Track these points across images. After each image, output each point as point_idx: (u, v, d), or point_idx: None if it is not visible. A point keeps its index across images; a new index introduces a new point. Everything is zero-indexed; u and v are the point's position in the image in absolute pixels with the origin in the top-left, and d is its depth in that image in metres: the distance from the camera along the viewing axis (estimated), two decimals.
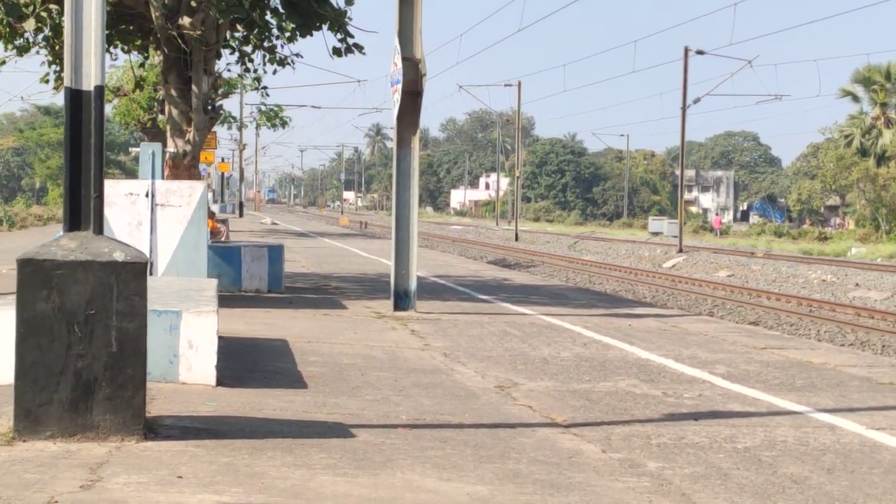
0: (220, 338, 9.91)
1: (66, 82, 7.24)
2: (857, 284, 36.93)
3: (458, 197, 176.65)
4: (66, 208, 7.32)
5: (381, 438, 7.94)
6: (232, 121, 67.51)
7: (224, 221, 36.08)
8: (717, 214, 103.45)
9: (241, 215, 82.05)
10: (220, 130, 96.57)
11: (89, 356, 7.17)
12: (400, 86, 16.56)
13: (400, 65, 16.58)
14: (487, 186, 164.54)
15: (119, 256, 7.21)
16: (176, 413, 8.34)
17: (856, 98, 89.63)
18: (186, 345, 9.63)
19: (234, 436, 7.71)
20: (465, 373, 11.47)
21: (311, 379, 10.54)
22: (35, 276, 7.11)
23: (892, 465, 7.75)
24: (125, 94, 39.35)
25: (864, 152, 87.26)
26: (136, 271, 7.23)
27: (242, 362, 11.23)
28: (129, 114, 43.43)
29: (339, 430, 8.16)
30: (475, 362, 12.25)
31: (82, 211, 7.29)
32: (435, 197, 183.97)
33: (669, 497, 6.71)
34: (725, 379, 11.53)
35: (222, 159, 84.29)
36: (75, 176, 7.27)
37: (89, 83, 7.25)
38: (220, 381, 9.73)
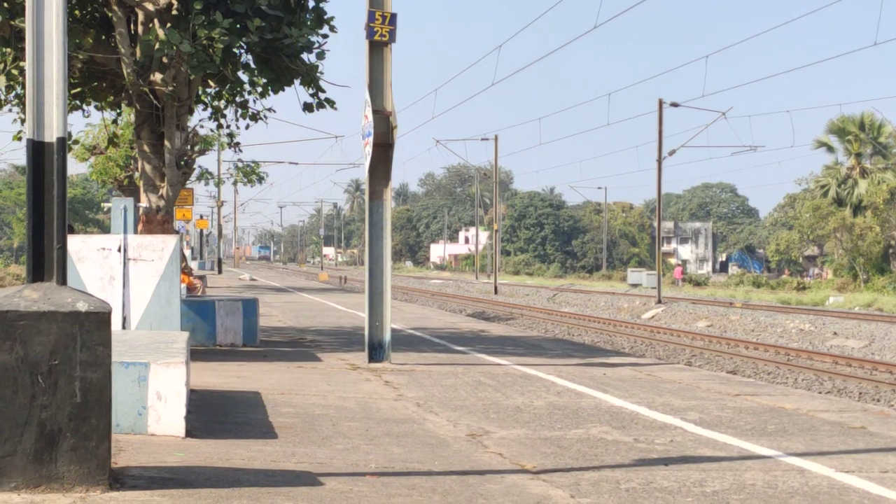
0: (192, 391, 9.90)
1: (28, 134, 7.26)
2: (834, 333, 37.03)
3: (438, 251, 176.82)
4: (29, 259, 7.32)
5: (349, 486, 7.92)
6: (209, 177, 67.60)
7: (202, 277, 36.06)
8: (678, 265, 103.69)
9: (219, 271, 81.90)
10: (198, 187, 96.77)
11: (53, 407, 7.15)
12: (371, 138, 16.64)
13: (371, 117, 16.66)
14: (467, 240, 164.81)
15: (82, 307, 7.21)
16: (143, 464, 8.30)
17: (830, 148, 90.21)
18: (155, 396, 9.59)
19: (200, 485, 7.68)
20: (437, 422, 11.45)
21: (282, 429, 10.51)
22: None
23: None
24: (101, 153, 39.39)
25: (840, 202, 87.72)
26: (99, 321, 7.23)
27: (213, 414, 11.19)
28: (105, 172, 43.48)
29: (306, 479, 8.13)
30: (448, 412, 12.23)
31: (45, 262, 7.30)
32: (415, 251, 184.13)
33: None
34: (697, 425, 11.54)
35: (200, 216, 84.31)
36: (38, 227, 7.28)
37: (51, 134, 7.27)
38: (190, 433, 9.70)
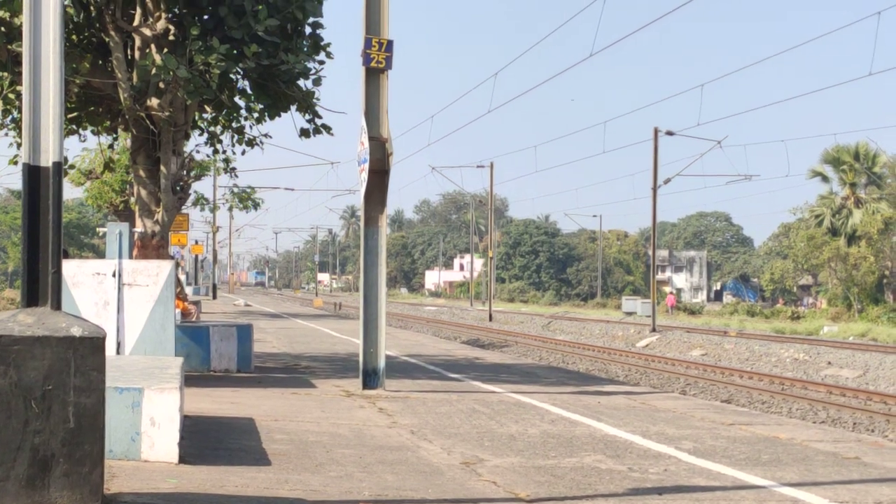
0: (185, 416, 9.88)
1: (24, 158, 7.26)
2: (829, 363, 37.00)
3: (433, 278, 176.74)
4: (24, 284, 7.31)
5: None
6: (205, 203, 67.60)
7: (196, 303, 36.05)
8: (670, 293, 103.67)
9: (214, 297, 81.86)
10: (194, 213, 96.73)
11: (46, 432, 7.13)
12: (367, 164, 16.65)
13: (367, 144, 16.68)
14: (462, 267, 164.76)
15: (76, 332, 7.20)
16: (136, 490, 8.27)
17: (825, 178, 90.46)
18: (149, 422, 9.57)
19: None
20: (431, 449, 11.43)
21: (276, 456, 10.49)
22: None
23: None
24: (97, 177, 39.39)
25: (834, 232, 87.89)
26: (93, 346, 7.21)
27: (207, 440, 11.16)
28: (101, 197, 43.48)
29: None
30: (442, 439, 12.21)
31: (40, 286, 7.29)
32: (409, 278, 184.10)
33: None
34: (691, 454, 11.52)
35: (196, 241, 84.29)
36: (33, 252, 7.28)
37: (47, 159, 7.27)
38: (183, 459, 9.67)
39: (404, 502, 8.48)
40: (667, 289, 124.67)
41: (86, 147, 71.31)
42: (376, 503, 8.38)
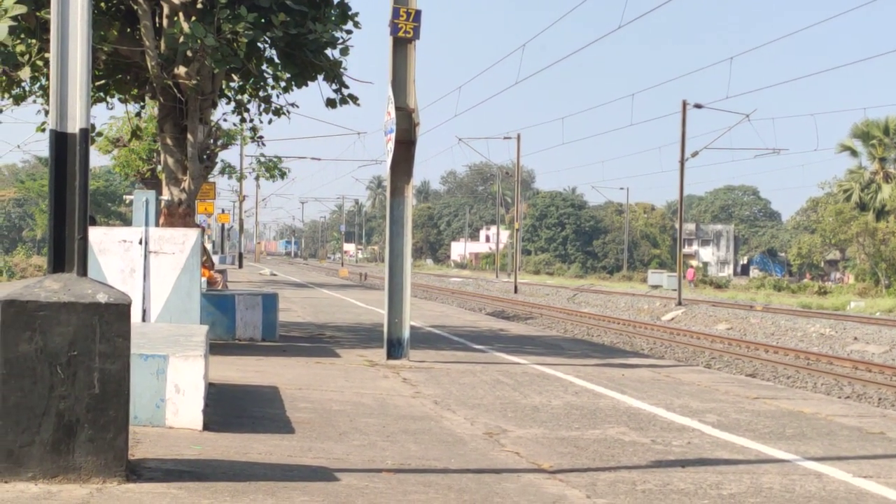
0: (210, 384, 9.92)
1: (52, 125, 7.28)
2: (855, 338, 36.89)
3: (459, 249, 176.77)
4: (51, 250, 7.35)
5: (365, 482, 7.92)
6: (232, 172, 67.70)
7: (222, 272, 36.09)
8: (690, 266, 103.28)
9: (240, 266, 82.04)
10: (220, 181, 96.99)
11: (72, 398, 7.17)
12: (393, 135, 16.63)
13: (393, 114, 16.65)
14: (488, 239, 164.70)
15: (102, 298, 7.22)
16: (160, 456, 8.32)
17: (854, 153, 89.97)
18: (173, 389, 9.62)
19: (217, 478, 7.69)
20: (454, 420, 11.45)
21: (299, 424, 10.53)
22: (18, 317, 7.12)
23: None
24: (124, 145, 39.46)
25: (863, 207, 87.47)
26: (119, 313, 7.24)
27: (231, 408, 11.21)
28: (128, 164, 43.55)
29: (322, 474, 8.14)
30: (465, 410, 12.23)
31: (66, 253, 7.32)
32: (435, 249, 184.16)
33: None
34: (715, 427, 11.50)
35: (222, 210, 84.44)
36: (60, 218, 7.30)
37: (74, 126, 7.29)
38: (207, 426, 9.72)
39: (427, 472, 8.50)
40: (693, 262, 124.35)
41: (113, 115, 71.55)
42: (399, 472, 8.40)
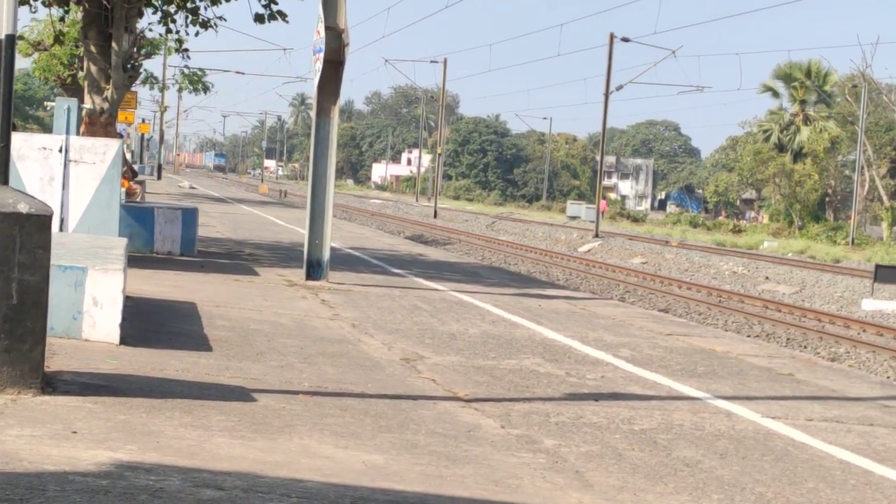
0: (127, 297, 9.86)
1: None
2: (766, 278, 37.47)
3: (380, 171, 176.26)
4: None
5: (282, 404, 7.94)
6: (154, 82, 66.78)
7: (141, 183, 35.68)
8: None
9: (159, 178, 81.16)
10: (142, 91, 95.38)
11: None
12: (322, 54, 16.49)
13: (323, 33, 16.50)
14: (409, 162, 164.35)
15: (23, 208, 7.13)
16: (76, 369, 8.27)
17: (776, 94, 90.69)
18: (91, 302, 9.55)
19: (133, 394, 7.67)
20: (371, 344, 11.49)
21: (217, 342, 10.51)
22: None
23: (784, 453, 7.90)
24: (45, 49, 38.72)
25: (781, 148, 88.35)
26: (40, 224, 7.16)
27: (148, 323, 11.16)
28: (49, 69, 42.74)
29: (239, 394, 8.15)
30: (383, 334, 12.28)
31: None
32: (356, 170, 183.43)
33: (563, 474, 6.79)
34: (629, 362, 11.66)
35: (143, 120, 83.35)
36: None
37: (0, 31, 7.14)
38: (124, 340, 9.68)
39: (344, 395, 8.54)
40: (611, 195, 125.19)
41: (35, 17, 69.95)
42: (316, 395, 8.43)
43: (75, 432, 6.46)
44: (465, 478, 6.47)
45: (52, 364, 8.19)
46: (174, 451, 6.32)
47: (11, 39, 7.20)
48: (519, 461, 7.00)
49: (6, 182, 7.26)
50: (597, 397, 9.44)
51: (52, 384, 7.57)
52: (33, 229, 7.14)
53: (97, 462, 5.88)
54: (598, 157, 57.27)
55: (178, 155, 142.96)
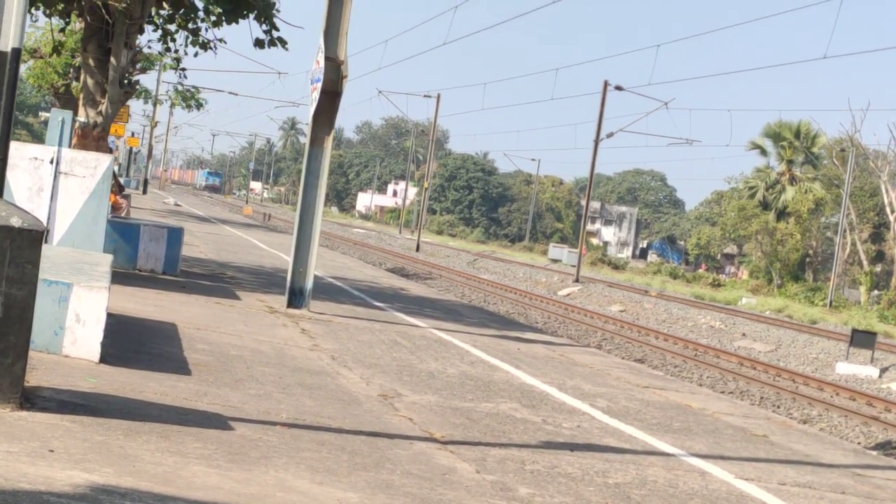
0: (108, 314, 9.83)
1: None
2: (743, 334, 37.56)
3: (365, 200, 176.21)
4: None
5: (259, 434, 7.93)
6: (147, 96, 66.76)
7: (127, 197, 35.62)
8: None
9: (144, 192, 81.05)
10: (134, 105, 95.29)
11: None
12: (320, 84, 16.54)
13: (322, 63, 16.55)
14: (395, 193, 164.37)
15: (16, 222, 7.13)
16: (55, 385, 8.25)
17: (764, 152, 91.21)
18: (74, 318, 9.53)
19: (111, 415, 7.65)
20: (350, 378, 11.48)
21: (196, 366, 10.49)
22: None
23: None
24: (41, 57, 38.71)
25: (765, 205, 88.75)
26: (31, 239, 7.15)
27: (128, 341, 11.13)
28: (43, 77, 42.71)
29: (217, 422, 8.14)
30: (362, 368, 12.27)
31: None
32: (342, 198, 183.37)
33: None
34: (605, 413, 11.67)
35: (132, 134, 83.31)
36: None
37: (7, 44, 7.16)
38: (104, 359, 9.65)
39: (321, 430, 8.52)
40: (593, 240, 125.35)
41: (33, 25, 69.90)
42: (294, 427, 8.42)
43: (52, 451, 6.45)
44: None
45: (32, 379, 8.16)
46: (150, 476, 6.30)
47: (17, 53, 7.22)
48: None
49: (0, 195, 7.26)
50: (572, 447, 9.45)
51: (31, 400, 7.54)
52: (24, 244, 7.14)
53: (73, 483, 5.87)
54: (584, 202, 57.42)
55: (166, 171, 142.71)
